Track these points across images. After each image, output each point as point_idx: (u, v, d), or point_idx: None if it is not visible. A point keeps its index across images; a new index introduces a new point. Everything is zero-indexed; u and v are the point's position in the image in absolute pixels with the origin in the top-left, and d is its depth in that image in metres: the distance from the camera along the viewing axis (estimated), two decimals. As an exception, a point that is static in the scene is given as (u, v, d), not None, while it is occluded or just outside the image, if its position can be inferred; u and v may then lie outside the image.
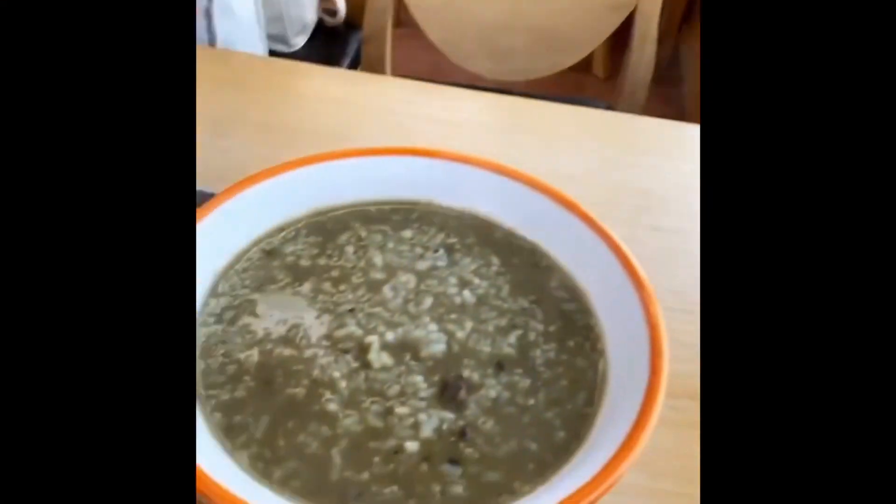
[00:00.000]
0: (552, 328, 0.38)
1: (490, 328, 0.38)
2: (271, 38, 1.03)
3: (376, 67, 0.93)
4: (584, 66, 1.48)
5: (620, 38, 0.96)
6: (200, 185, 0.48)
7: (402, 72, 0.95)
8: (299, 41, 1.07)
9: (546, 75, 0.98)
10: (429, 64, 1.13)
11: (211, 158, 0.56)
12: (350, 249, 0.41)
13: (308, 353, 0.36)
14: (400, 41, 0.96)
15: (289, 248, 0.41)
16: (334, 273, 0.40)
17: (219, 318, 0.38)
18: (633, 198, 0.56)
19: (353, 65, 1.09)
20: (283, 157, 0.45)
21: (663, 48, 1.18)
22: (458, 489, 0.32)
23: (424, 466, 0.32)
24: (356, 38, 1.10)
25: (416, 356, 0.36)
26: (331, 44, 1.10)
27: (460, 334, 0.37)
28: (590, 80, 1.53)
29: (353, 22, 1.10)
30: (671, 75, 1.52)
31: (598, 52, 1.47)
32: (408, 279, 0.40)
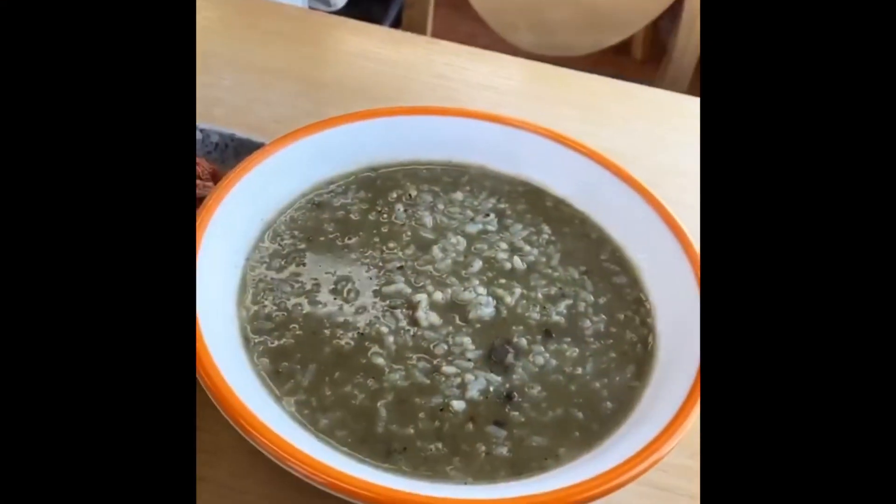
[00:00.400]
0: (602, 300, 0.38)
1: (539, 296, 0.38)
2: (312, -5, 1.01)
3: (417, 33, 0.92)
4: (623, 47, 1.46)
5: (664, 21, 0.94)
6: (248, 134, 0.48)
7: (439, 41, 0.94)
8: (340, 2, 1.05)
9: (585, 53, 0.96)
10: (466, 35, 1.11)
11: (258, 109, 0.56)
12: (400, 207, 0.41)
13: (356, 306, 0.36)
14: (437, 10, 0.95)
15: (338, 202, 0.41)
16: (384, 229, 0.40)
17: (268, 266, 0.37)
18: (678, 178, 0.55)
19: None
20: (328, 113, 0.44)
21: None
22: (503, 451, 0.32)
23: (470, 426, 0.32)
24: (397, 2, 1.08)
25: (464, 318, 0.36)
26: (371, 6, 1.08)
27: (509, 300, 0.37)
28: (628, 63, 1.51)
29: (394, -15, 1.08)
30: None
31: (639, 34, 1.44)
32: (457, 241, 0.40)
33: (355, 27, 0.67)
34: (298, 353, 0.34)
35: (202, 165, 0.44)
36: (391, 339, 0.35)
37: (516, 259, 0.39)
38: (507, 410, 0.33)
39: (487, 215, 0.41)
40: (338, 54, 0.65)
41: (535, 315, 0.37)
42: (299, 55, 0.62)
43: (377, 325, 0.35)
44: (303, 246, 0.39)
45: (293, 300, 0.36)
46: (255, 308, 0.36)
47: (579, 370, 0.35)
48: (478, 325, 0.36)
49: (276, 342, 0.34)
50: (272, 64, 0.60)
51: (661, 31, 1.14)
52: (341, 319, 0.35)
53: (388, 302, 0.36)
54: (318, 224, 0.40)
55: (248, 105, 0.56)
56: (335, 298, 0.36)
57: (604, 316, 0.37)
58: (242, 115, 0.55)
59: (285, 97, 0.57)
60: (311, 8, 1.02)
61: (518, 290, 0.38)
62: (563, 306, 0.37)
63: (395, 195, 0.42)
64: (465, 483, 0.31)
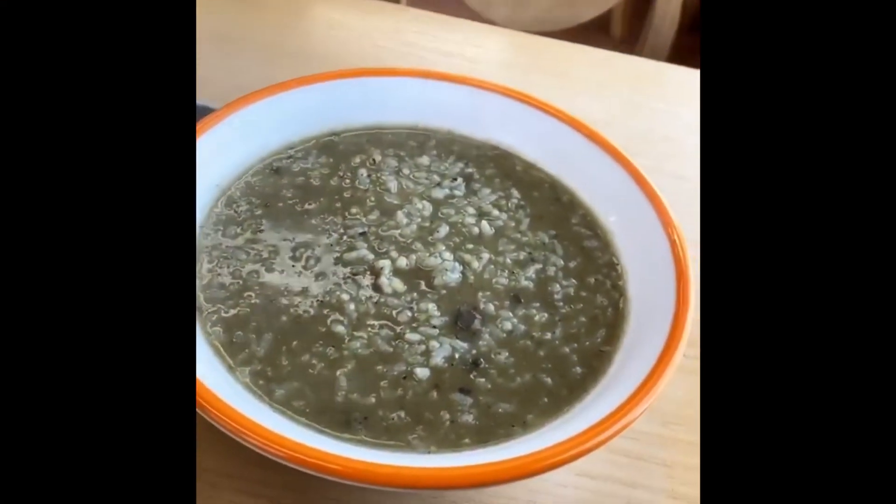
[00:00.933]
0: (572, 264, 0.37)
1: (508, 261, 0.36)
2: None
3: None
4: (601, 25, 1.44)
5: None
6: (204, 101, 0.46)
7: (415, 14, 0.91)
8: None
9: (562, 28, 0.94)
10: (441, 11, 1.09)
11: (217, 77, 0.53)
12: (363, 172, 0.39)
13: (315, 273, 0.34)
14: (412, -13, 0.92)
15: (298, 167, 0.39)
16: (346, 195, 0.38)
17: (222, 233, 0.36)
18: (656, 145, 0.53)
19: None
20: (292, 81, 0.42)
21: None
22: (468, 418, 0.30)
23: (434, 394, 0.31)
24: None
25: (429, 284, 0.35)
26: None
27: (476, 265, 0.36)
28: (606, 42, 1.49)
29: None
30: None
31: (617, 11, 1.43)
32: (423, 206, 0.38)
33: (322, -5, 0.65)
34: (254, 322, 0.32)
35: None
36: (352, 306, 0.33)
37: (484, 224, 0.38)
38: (472, 377, 0.32)
39: (455, 180, 0.40)
40: (302, 22, 0.62)
41: (503, 280, 0.35)
42: (262, 23, 0.60)
43: (338, 293, 0.34)
44: (260, 212, 0.37)
45: (249, 267, 0.34)
46: (209, 276, 0.34)
47: (548, 335, 0.34)
48: (443, 292, 0.34)
49: (231, 311, 0.33)
50: (234, 32, 0.58)
51: (639, 6, 1.12)
52: (300, 287, 0.34)
53: (349, 269, 0.35)
54: (277, 190, 0.38)
55: (208, 74, 0.53)
56: (294, 266, 0.35)
57: (574, 280, 0.36)
58: (202, 84, 0.52)
59: (247, 66, 0.55)
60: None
61: (486, 256, 0.36)
62: (532, 271, 0.36)
63: (358, 160, 0.40)
64: (429, 452, 0.29)
